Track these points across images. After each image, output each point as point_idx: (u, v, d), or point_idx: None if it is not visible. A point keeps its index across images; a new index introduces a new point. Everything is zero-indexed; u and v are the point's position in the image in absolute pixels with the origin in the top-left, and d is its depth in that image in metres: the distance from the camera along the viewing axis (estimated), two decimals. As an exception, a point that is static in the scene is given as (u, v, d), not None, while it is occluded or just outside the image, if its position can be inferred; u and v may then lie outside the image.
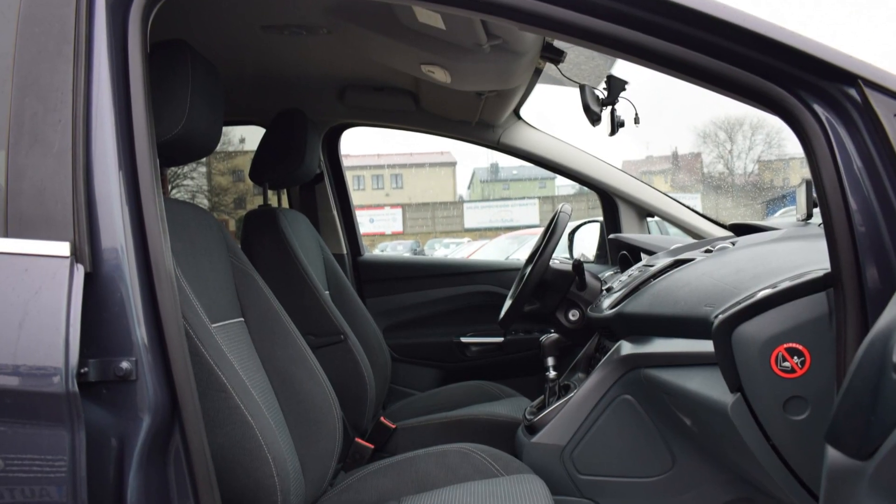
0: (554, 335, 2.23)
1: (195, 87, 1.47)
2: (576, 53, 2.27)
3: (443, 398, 2.69)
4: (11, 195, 1.10)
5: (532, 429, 1.93)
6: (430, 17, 1.83)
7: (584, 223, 3.33)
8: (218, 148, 1.69)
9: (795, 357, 1.22)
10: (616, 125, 2.38)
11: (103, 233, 1.10)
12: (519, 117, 2.99)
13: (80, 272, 1.06)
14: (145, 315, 1.09)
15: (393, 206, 28.66)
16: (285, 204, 2.83)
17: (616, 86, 2.32)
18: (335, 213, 3.21)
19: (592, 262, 3.14)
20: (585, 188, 3.04)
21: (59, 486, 1.02)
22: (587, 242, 3.26)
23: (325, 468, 1.73)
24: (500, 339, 3.10)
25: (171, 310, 1.11)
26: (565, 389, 2.03)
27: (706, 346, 1.37)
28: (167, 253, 1.14)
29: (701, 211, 2.91)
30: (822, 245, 1.17)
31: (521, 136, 3.00)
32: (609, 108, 2.35)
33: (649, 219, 2.99)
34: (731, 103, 1.21)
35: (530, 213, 26.48)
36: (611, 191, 2.94)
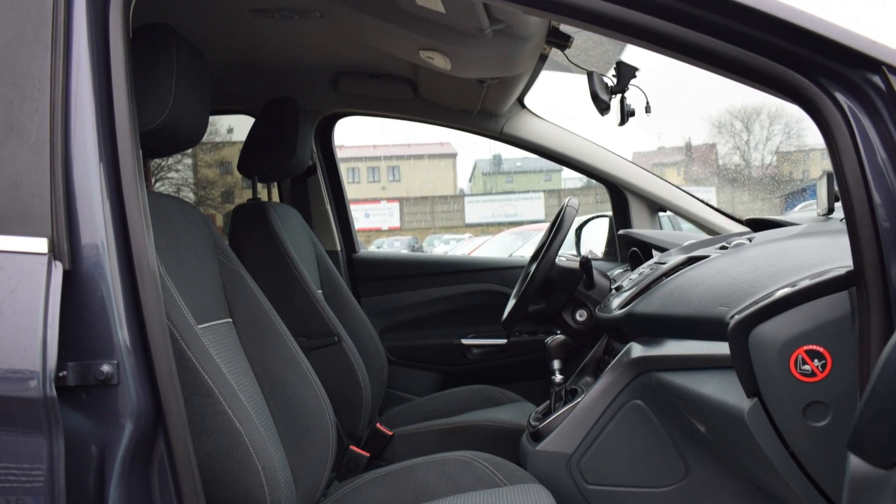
0: (560, 337, 2.23)
1: (180, 75, 1.47)
2: (583, 38, 2.27)
3: (442, 403, 2.69)
4: (-15, 189, 1.09)
5: (537, 436, 1.93)
6: (429, 0, 1.82)
7: (592, 218, 3.33)
8: (204, 138, 1.69)
9: (816, 360, 1.22)
10: (626, 114, 2.38)
11: (83, 228, 1.10)
12: (523, 106, 2.99)
13: (58, 270, 1.06)
14: (127, 315, 1.09)
15: (390, 199, 28.64)
16: (276, 198, 2.83)
17: (626, 73, 2.32)
18: (328, 207, 3.21)
19: (601, 260, 3.14)
20: (593, 181, 3.04)
21: (36, 496, 1.02)
22: (595, 238, 3.26)
23: (317, 477, 1.73)
24: (504, 341, 3.10)
25: (155, 310, 1.11)
26: (572, 394, 2.03)
27: (721, 348, 1.37)
28: (150, 250, 1.14)
29: (716, 205, 2.91)
30: (843, 241, 1.16)
31: (526, 126, 2.99)
32: (618, 96, 2.35)
33: (661, 213, 2.99)
34: (747, 91, 1.21)
35: (535, 208, 26.44)
36: (620, 184, 2.94)
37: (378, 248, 18.37)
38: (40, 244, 1.07)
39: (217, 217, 5.68)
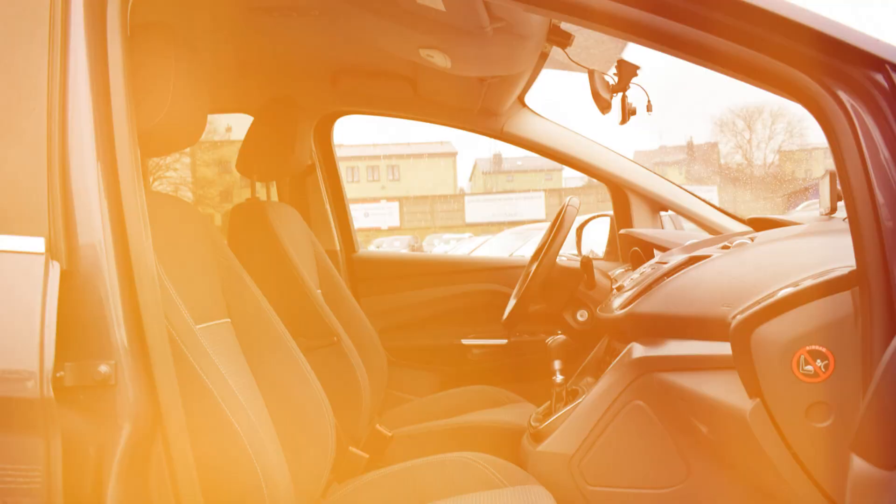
0: (561, 337, 2.23)
1: (179, 73, 1.47)
2: (585, 37, 2.26)
3: (443, 404, 2.69)
4: (-18, 188, 1.09)
5: (538, 437, 1.93)
6: (429, -2, 1.82)
7: (594, 217, 3.32)
8: (203, 137, 1.69)
9: (818, 360, 1.22)
10: (627, 113, 2.38)
11: (80, 228, 1.10)
12: (524, 105, 2.98)
13: (55, 270, 1.06)
14: (125, 315, 1.09)
15: (389, 199, 28.62)
16: (274, 197, 2.83)
17: (627, 71, 2.31)
18: (327, 206, 3.21)
19: (602, 259, 3.14)
20: (594, 180, 3.03)
21: (32, 498, 1.02)
22: (596, 238, 3.25)
23: (316, 479, 1.73)
24: (504, 342, 3.10)
25: (153, 310, 1.11)
26: (573, 395, 2.03)
27: (723, 348, 1.37)
28: (148, 249, 1.14)
29: (718, 204, 2.90)
30: (846, 241, 1.16)
31: (526, 125, 2.99)
32: (620, 94, 2.35)
33: (662, 213, 2.99)
34: (750, 90, 1.21)
35: (536, 207, 26.43)
36: (622, 183, 2.93)
37: (378, 247, 18.37)
38: (37, 244, 1.07)
39: (215, 216, 5.68)
